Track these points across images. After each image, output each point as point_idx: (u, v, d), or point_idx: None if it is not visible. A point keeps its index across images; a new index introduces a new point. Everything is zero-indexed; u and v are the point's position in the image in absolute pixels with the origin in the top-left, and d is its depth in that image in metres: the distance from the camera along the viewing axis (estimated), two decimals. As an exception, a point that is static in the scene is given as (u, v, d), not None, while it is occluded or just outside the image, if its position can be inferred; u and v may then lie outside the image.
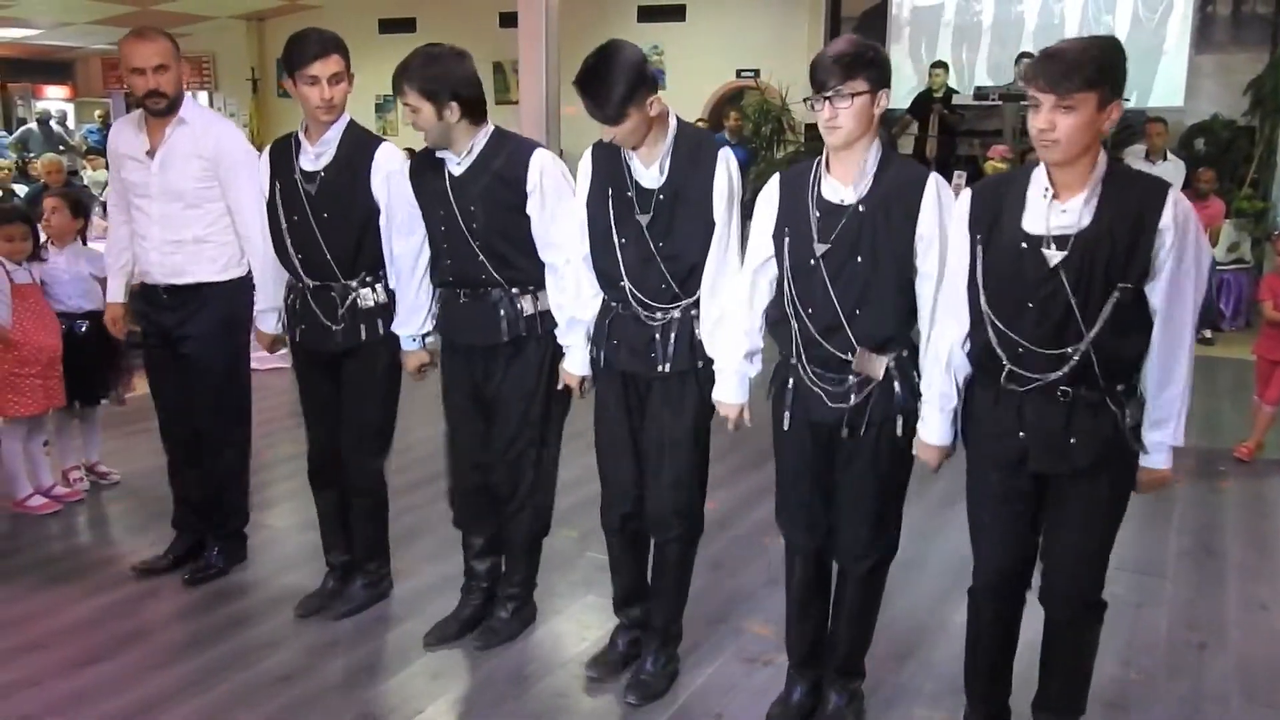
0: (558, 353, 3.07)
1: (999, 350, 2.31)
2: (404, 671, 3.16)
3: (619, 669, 3.10)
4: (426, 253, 3.15)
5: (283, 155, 3.26)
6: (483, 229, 2.96)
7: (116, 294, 3.80)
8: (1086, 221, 2.19)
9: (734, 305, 2.68)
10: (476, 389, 3.15)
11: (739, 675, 3.15)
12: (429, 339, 3.29)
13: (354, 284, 3.23)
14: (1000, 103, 9.94)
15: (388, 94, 10.69)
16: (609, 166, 2.79)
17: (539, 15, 6.43)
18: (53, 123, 13.60)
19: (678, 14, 12.19)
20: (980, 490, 2.49)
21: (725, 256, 2.72)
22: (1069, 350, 2.23)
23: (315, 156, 3.19)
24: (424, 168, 3.08)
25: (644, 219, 2.71)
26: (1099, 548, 2.44)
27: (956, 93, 10.01)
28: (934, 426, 2.48)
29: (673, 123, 2.74)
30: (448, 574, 3.63)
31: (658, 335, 2.77)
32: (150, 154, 3.45)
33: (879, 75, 2.36)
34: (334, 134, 3.19)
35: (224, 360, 3.64)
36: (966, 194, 2.38)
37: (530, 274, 3.04)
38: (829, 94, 2.34)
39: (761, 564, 3.88)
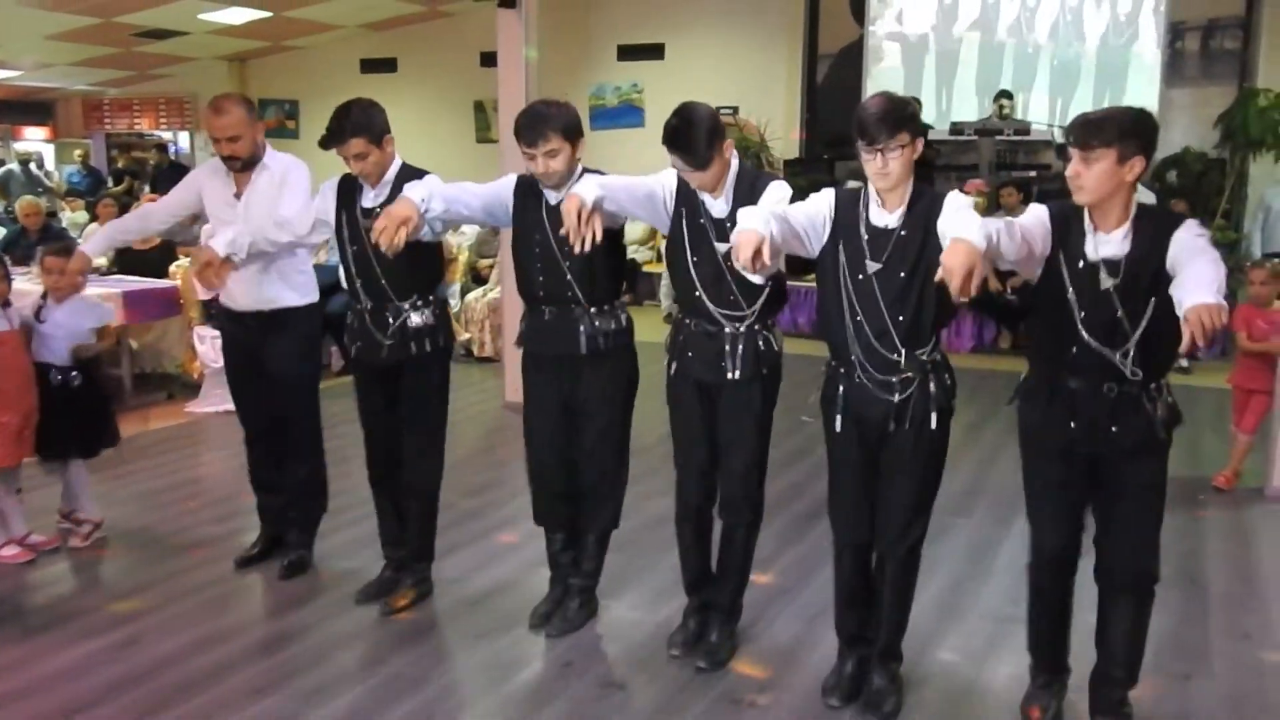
0: (635, 366, 3.56)
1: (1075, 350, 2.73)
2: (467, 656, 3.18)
3: (694, 644, 3.48)
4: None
5: (348, 191, 3.68)
6: (573, 252, 3.18)
7: (95, 248, 4.32)
8: (1126, 250, 2.67)
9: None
10: (561, 397, 3.52)
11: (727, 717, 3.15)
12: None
13: (405, 305, 3.63)
14: (976, 138, 10.07)
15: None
16: (687, 198, 3.23)
17: (518, 55, 6.48)
18: (32, 164, 13.57)
19: (657, 52, 12.32)
20: (1038, 480, 2.91)
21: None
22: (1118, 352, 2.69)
23: (374, 196, 3.62)
24: (525, 196, 3.46)
25: (722, 246, 3.07)
26: (1150, 525, 2.85)
27: (932, 127, 10.11)
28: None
29: (735, 162, 3.19)
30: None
31: (727, 347, 3.19)
32: (237, 197, 3.96)
33: (917, 127, 2.80)
34: (390, 176, 3.61)
35: (303, 375, 4.12)
36: (1045, 215, 2.78)
37: (609, 293, 3.46)
38: (880, 147, 2.74)
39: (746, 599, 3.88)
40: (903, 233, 2.84)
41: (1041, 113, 10.67)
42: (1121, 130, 2.59)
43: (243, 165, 3.91)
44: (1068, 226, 2.75)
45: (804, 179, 8.56)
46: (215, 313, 6.67)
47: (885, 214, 2.87)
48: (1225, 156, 9.76)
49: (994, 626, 3.70)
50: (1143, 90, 10.24)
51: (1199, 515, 4.83)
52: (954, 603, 3.89)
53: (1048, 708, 3.04)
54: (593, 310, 3.43)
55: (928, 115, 10.33)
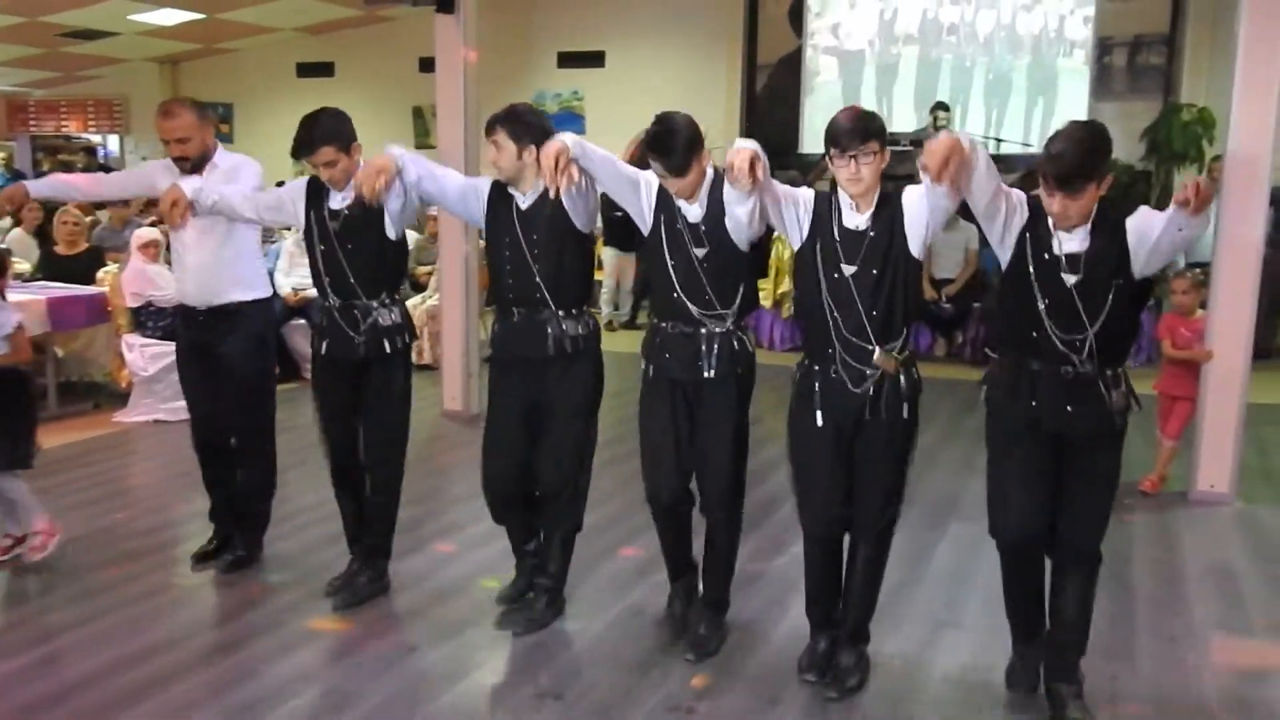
0: (602, 371, 3.67)
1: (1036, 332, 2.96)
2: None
3: (681, 628, 3.64)
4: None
5: (315, 193, 3.81)
6: (543, 255, 3.46)
7: (38, 189, 4.34)
8: (1086, 246, 2.91)
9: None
10: (527, 400, 3.61)
11: (664, 722, 3.16)
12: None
13: (374, 304, 3.76)
14: (911, 148, 10.21)
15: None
16: (665, 203, 3.36)
17: (457, 61, 6.44)
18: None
19: (597, 60, 12.34)
20: (1006, 462, 3.09)
21: None
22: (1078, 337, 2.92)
23: (340, 199, 3.75)
24: (496, 201, 3.59)
25: (699, 249, 3.29)
26: (1101, 509, 3.09)
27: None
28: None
29: (710, 170, 3.32)
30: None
31: (703, 347, 3.33)
32: None
33: (884, 137, 3.04)
34: (354, 181, 3.64)
35: (255, 372, 4.18)
36: (1024, 199, 2.99)
37: (578, 297, 3.57)
38: (853, 154, 2.97)
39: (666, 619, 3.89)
40: (872, 234, 3.06)
41: (978, 124, 10.86)
42: (1096, 162, 2.84)
43: (192, 166, 3.99)
44: (1036, 218, 2.96)
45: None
46: (146, 320, 6.56)
47: (856, 216, 3.08)
48: (1151, 169, 10.02)
49: (929, 632, 3.74)
50: (1072, 103, 10.48)
51: (1125, 519, 4.93)
52: (889, 608, 3.92)
53: (1031, 679, 3.26)
54: (561, 314, 3.53)
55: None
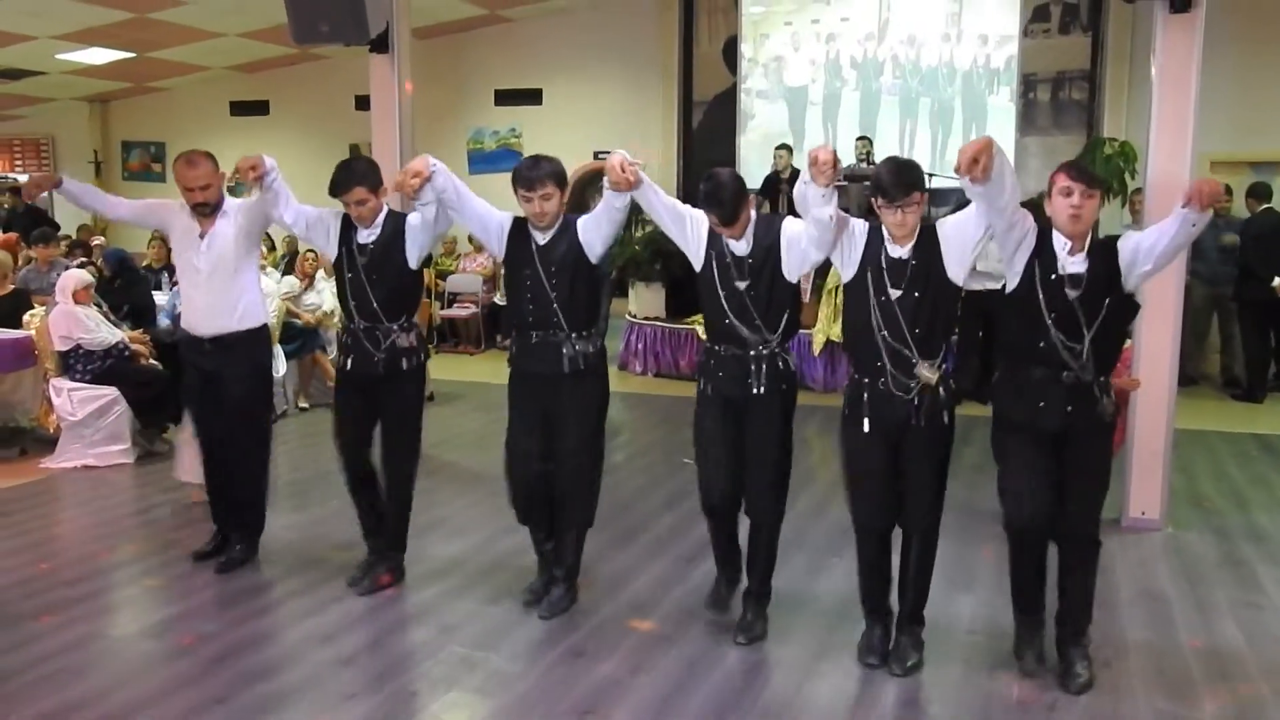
0: (607, 384, 4.14)
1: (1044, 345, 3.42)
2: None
3: (726, 606, 4.05)
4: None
5: (347, 228, 4.29)
6: (559, 284, 3.93)
7: (72, 185, 4.60)
8: (1085, 268, 3.39)
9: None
10: (543, 411, 4.04)
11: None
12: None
13: (394, 326, 4.26)
14: (845, 183, 10.37)
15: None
16: (714, 241, 3.80)
17: (391, 99, 6.44)
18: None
19: (534, 98, 12.40)
20: (1014, 459, 3.52)
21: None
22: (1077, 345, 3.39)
23: (367, 234, 4.26)
24: (515, 236, 4.04)
25: (741, 283, 3.74)
26: (1098, 496, 3.57)
27: (802, 172, 10.36)
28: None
29: (753, 212, 3.77)
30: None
31: (752, 367, 3.73)
32: (201, 237, 4.49)
33: (924, 186, 3.47)
34: (380, 219, 4.25)
35: (253, 394, 4.63)
36: (1035, 230, 3.45)
37: (587, 321, 4.02)
38: (899, 204, 3.41)
39: (626, 649, 3.86)
40: (914, 262, 3.50)
41: (922, 156, 11.04)
42: (1100, 180, 3.46)
43: (210, 210, 4.45)
44: (1043, 244, 3.44)
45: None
46: (75, 364, 6.41)
47: (899, 248, 3.52)
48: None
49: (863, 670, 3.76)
50: (1000, 137, 10.69)
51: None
52: (829, 641, 3.94)
53: (1036, 652, 3.67)
54: (573, 335, 3.98)
55: (801, 161, 10.61)
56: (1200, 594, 4.45)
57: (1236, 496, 5.88)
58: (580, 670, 3.71)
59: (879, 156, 10.40)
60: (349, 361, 4.31)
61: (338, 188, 4.16)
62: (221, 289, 4.49)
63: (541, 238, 3.99)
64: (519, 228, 4.05)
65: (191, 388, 4.73)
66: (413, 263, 4.26)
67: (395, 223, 4.28)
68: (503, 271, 4.13)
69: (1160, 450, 5.28)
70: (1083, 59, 10.72)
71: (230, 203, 4.56)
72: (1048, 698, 3.51)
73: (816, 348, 8.85)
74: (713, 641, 3.93)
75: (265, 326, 4.72)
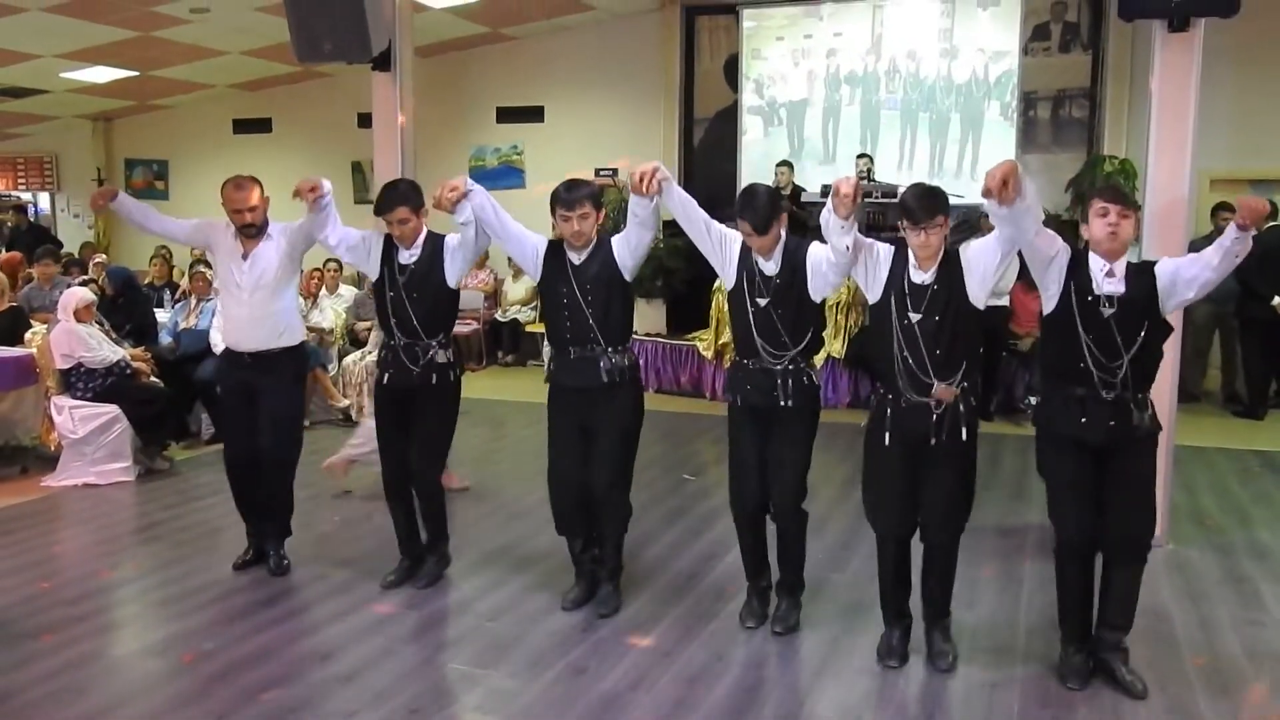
0: (642, 396, 4.34)
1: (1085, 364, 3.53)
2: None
3: (763, 617, 4.22)
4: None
5: (389, 249, 4.50)
6: (595, 302, 4.13)
7: (125, 200, 4.81)
8: (1122, 289, 3.50)
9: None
10: (581, 422, 4.23)
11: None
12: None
13: (433, 343, 4.46)
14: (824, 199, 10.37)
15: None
16: (745, 260, 3.98)
17: (394, 117, 6.45)
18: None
19: (536, 115, 12.43)
20: (1059, 477, 3.64)
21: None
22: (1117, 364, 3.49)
23: (409, 255, 4.47)
24: (551, 258, 4.24)
25: (768, 301, 3.91)
26: (1145, 508, 3.62)
27: (804, 190, 10.41)
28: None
29: (783, 233, 3.92)
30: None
31: (779, 380, 3.92)
32: (244, 257, 4.68)
33: (948, 209, 3.59)
34: (420, 239, 4.47)
35: (290, 408, 4.87)
36: (1066, 249, 3.56)
37: (622, 336, 4.23)
38: (924, 226, 3.53)
39: (626, 666, 3.85)
40: (935, 287, 3.63)
41: (922, 172, 11.04)
42: (1135, 202, 3.56)
43: (256, 232, 4.64)
44: (1077, 267, 3.55)
45: (681, 239, 8.68)
46: (77, 381, 6.42)
47: (921, 273, 3.65)
48: (1076, 219, 10.29)
49: (870, 680, 3.75)
50: (1000, 155, 10.74)
51: (1023, 563, 4.95)
52: (831, 657, 3.93)
53: (1082, 674, 3.71)
54: (609, 350, 4.17)
55: (802, 178, 10.64)
56: (1203, 611, 4.43)
57: (1238, 513, 5.86)
58: (581, 687, 3.70)
59: (879, 174, 10.47)
60: (386, 376, 4.53)
61: (382, 207, 4.38)
62: (263, 307, 4.68)
63: (577, 257, 4.19)
64: (554, 250, 4.25)
65: (227, 398, 4.94)
66: (451, 282, 4.48)
67: (435, 243, 4.48)
68: (539, 292, 4.39)
69: (1163, 467, 5.25)
70: (1083, 77, 10.74)
71: (274, 225, 4.73)
72: (1048, 713, 3.50)
73: (817, 363, 8.85)
74: (713, 658, 3.93)
75: (304, 344, 4.97)
